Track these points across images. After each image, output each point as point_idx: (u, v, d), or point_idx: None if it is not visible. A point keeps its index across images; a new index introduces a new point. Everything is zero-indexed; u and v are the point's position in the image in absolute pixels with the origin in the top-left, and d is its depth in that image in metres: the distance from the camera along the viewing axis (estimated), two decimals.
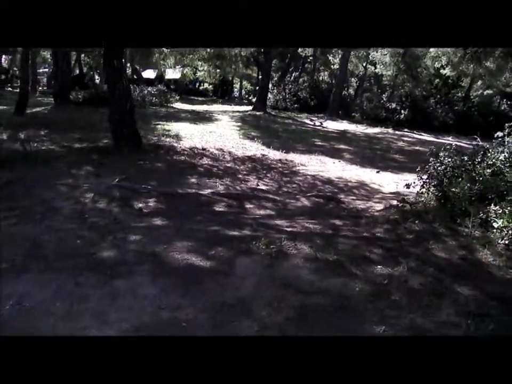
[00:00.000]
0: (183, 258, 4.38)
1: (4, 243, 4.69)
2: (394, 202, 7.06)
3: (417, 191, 6.91)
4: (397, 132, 19.81)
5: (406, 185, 6.98)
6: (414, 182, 6.95)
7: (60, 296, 3.66)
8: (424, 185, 6.84)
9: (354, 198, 8.32)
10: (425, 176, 6.91)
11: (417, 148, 15.45)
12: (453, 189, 6.42)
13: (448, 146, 6.94)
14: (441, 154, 6.96)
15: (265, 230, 5.38)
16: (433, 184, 6.77)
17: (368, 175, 10.56)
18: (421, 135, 19.76)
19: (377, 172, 10.97)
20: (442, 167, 6.75)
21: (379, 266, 4.44)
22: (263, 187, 8.48)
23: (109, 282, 3.90)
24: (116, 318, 3.37)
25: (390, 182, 9.83)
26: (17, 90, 14.76)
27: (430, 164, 6.88)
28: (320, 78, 35.49)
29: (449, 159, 6.85)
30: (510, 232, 5.08)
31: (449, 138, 7.98)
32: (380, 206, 7.31)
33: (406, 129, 21.13)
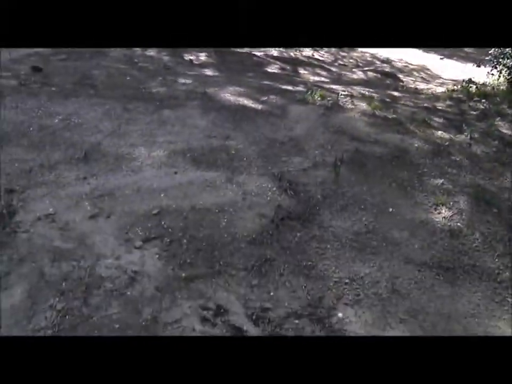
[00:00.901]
0: (235, 100, 4.18)
1: (54, 73, 4.60)
2: (458, 86, 6.53)
3: (488, 72, 6.34)
4: None
5: (477, 63, 6.39)
6: (484, 60, 6.36)
7: (108, 118, 3.59)
8: (497, 66, 6.23)
9: (413, 79, 7.78)
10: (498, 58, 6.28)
11: None
12: None
13: None
14: None
15: (320, 88, 5.07)
16: (507, 66, 6.17)
17: (431, 61, 9.79)
18: None
19: (441, 59, 10.14)
20: None
21: (440, 132, 4.15)
22: (318, 57, 7.98)
23: (158, 111, 3.78)
24: (164, 140, 3.29)
25: (454, 70, 9.11)
26: None
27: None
28: None
29: None
30: None
31: None
32: (441, 89, 6.80)
33: None
